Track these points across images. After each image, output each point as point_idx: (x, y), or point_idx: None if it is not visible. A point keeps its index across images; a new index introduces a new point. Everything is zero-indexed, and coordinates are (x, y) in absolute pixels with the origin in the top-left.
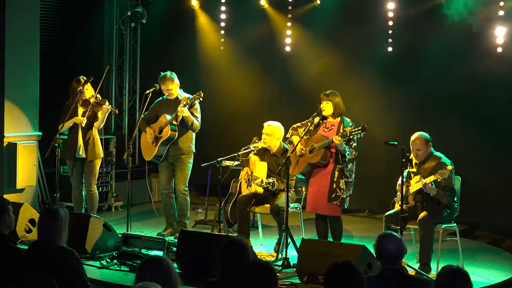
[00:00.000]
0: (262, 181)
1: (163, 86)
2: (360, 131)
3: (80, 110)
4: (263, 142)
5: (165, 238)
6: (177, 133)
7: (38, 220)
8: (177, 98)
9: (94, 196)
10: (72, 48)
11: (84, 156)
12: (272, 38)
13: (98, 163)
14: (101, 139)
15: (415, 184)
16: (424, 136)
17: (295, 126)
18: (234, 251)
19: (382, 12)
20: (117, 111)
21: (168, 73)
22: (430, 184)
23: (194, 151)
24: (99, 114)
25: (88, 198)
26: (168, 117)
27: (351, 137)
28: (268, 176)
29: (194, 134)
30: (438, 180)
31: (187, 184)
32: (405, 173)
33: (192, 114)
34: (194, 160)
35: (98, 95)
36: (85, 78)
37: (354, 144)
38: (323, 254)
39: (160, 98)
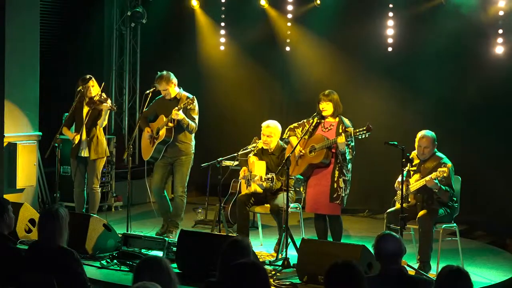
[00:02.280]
0: (261, 178)
1: (160, 87)
2: (365, 131)
3: (86, 109)
4: (263, 144)
5: (165, 238)
6: (172, 135)
7: (39, 220)
8: (175, 97)
9: (96, 195)
10: (72, 48)
11: (86, 155)
12: (272, 38)
13: (101, 162)
14: None
15: (415, 183)
16: (432, 135)
17: (292, 126)
18: (237, 251)
19: (382, 12)
20: (115, 108)
21: (164, 73)
22: (435, 180)
23: (193, 151)
24: (103, 112)
25: (90, 196)
26: (165, 118)
27: (354, 137)
28: (266, 174)
29: (193, 135)
30: (439, 178)
31: (185, 186)
32: (404, 172)
33: (190, 115)
34: (194, 160)
35: (103, 94)
36: (89, 76)
37: (352, 144)
38: (323, 254)
39: (160, 96)
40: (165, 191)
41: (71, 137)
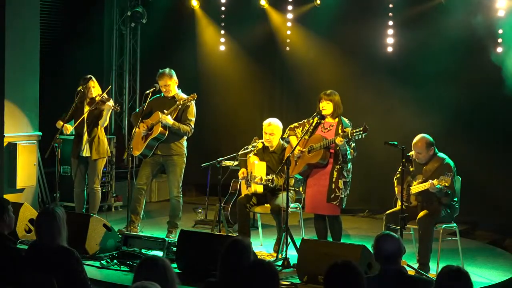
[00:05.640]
0: (261, 179)
1: (160, 82)
2: (361, 132)
3: (86, 108)
4: (266, 142)
5: (165, 238)
6: (167, 131)
7: (36, 221)
8: (173, 97)
9: (97, 195)
10: (72, 48)
11: (88, 155)
12: (272, 38)
13: (102, 162)
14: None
15: (417, 185)
16: (426, 139)
17: (292, 126)
18: (237, 251)
19: (382, 12)
20: (118, 108)
21: (167, 69)
22: (437, 186)
23: (185, 153)
24: (104, 112)
25: (90, 196)
26: (161, 115)
27: (350, 137)
28: (267, 174)
29: (185, 137)
30: (441, 186)
31: (180, 187)
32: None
33: (186, 117)
34: (194, 160)
35: (105, 94)
36: (89, 76)
37: (353, 145)
38: (323, 254)
39: (157, 95)
40: (145, 191)
41: (60, 127)
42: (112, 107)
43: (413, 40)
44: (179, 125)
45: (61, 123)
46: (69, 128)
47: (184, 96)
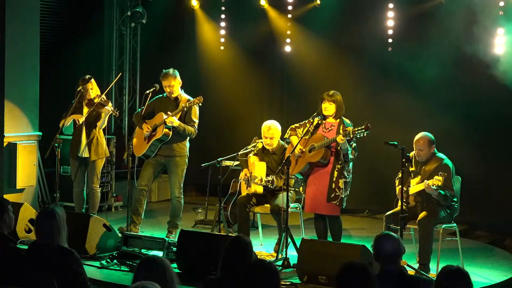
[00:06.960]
0: (261, 180)
1: (164, 83)
2: (363, 130)
3: (85, 109)
4: (266, 145)
5: (165, 238)
6: (171, 132)
7: (36, 221)
8: (177, 98)
9: (96, 195)
10: (72, 48)
11: (86, 155)
12: (272, 38)
13: (101, 162)
14: None
15: (415, 185)
16: (428, 137)
17: (293, 126)
18: (238, 248)
19: (382, 12)
20: (118, 113)
21: (171, 70)
22: (432, 187)
23: (188, 153)
24: (102, 114)
25: (90, 196)
26: (165, 116)
27: (352, 136)
28: (267, 175)
29: (188, 138)
30: (435, 185)
31: (181, 187)
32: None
33: (190, 118)
34: (194, 160)
35: (103, 96)
36: (89, 77)
37: (354, 145)
38: (323, 254)
39: (160, 95)
40: (146, 192)
41: (76, 118)
42: (111, 112)
43: (414, 40)
44: (184, 126)
45: (63, 122)
46: (81, 118)
47: (187, 97)
